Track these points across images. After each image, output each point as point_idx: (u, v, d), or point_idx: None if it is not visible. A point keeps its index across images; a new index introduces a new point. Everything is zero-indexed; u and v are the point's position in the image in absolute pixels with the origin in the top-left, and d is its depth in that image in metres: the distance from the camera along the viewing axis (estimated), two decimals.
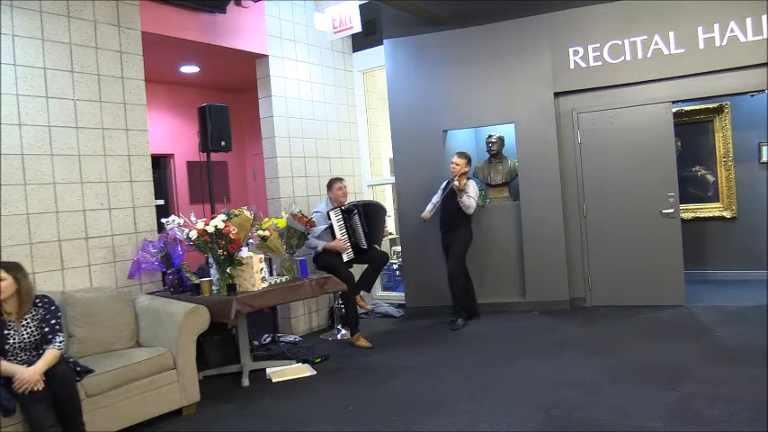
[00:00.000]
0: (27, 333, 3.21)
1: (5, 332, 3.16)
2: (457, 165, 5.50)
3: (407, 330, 5.72)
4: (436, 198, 5.70)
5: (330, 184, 5.57)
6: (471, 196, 5.48)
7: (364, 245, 5.44)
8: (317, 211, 5.41)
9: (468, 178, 5.60)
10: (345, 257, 5.37)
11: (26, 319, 3.22)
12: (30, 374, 2.97)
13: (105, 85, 4.41)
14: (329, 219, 5.32)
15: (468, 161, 5.58)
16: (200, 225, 4.22)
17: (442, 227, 5.72)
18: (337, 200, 5.46)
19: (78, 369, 3.28)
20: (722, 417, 3.02)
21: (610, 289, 5.76)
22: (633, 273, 5.61)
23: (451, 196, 5.51)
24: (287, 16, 6.05)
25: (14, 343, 3.17)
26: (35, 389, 2.98)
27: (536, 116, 5.87)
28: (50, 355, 3.11)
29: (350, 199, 5.85)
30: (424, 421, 3.36)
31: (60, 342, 3.21)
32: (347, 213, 5.42)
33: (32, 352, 3.20)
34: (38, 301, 3.30)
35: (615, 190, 5.67)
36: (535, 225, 5.91)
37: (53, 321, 3.26)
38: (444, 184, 5.72)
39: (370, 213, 5.55)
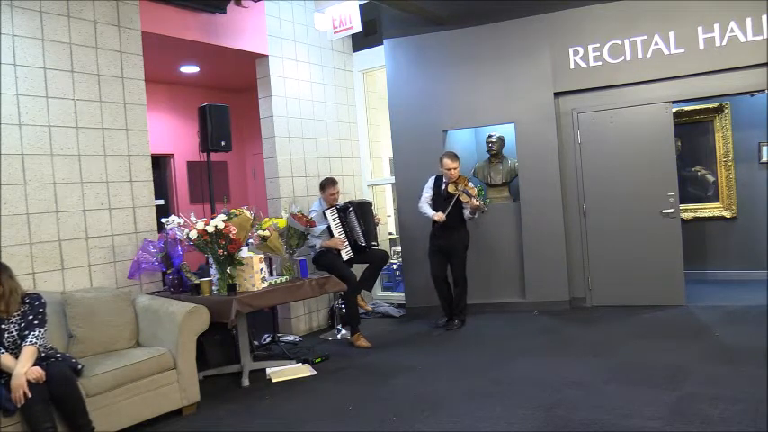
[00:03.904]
0: (15, 329, 3.22)
1: (3, 326, 3.19)
2: (456, 169, 5.35)
3: (407, 330, 5.72)
4: (427, 194, 5.57)
5: (324, 186, 5.49)
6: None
7: (362, 242, 5.46)
8: (312, 210, 5.42)
9: (467, 178, 5.47)
10: (345, 256, 5.38)
11: (15, 317, 3.24)
12: (16, 384, 2.97)
13: (105, 85, 4.42)
14: (326, 218, 5.33)
15: (459, 159, 5.46)
16: (200, 225, 4.22)
17: (437, 230, 5.55)
18: (329, 203, 5.46)
19: (79, 367, 3.30)
20: (722, 417, 3.02)
21: (610, 289, 5.76)
22: (633, 273, 5.61)
23: (449, 200, 5.35)
24: (287, 16, 6.05)
25: (8, 338, 3.19)
26: (35, 381, 3.00)
27: (536, 116, 5.87)
28: (25, 353, 3.10)
29: (345, 199, 5.86)
30: (424, 421, 3.36)
31: (34, 336, 3.18)
32: (343, 212, 5.45)
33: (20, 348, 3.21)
34: (27, 299, 3.31)
35: (615, 190, 5.67)
36: (535, 225, 5.91)
37: (31, 317, 3.24)
38: (432, 182, 5.59)
39: (364, 211, 5.61)
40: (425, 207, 5.58)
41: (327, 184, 5.47)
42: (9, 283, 3.25)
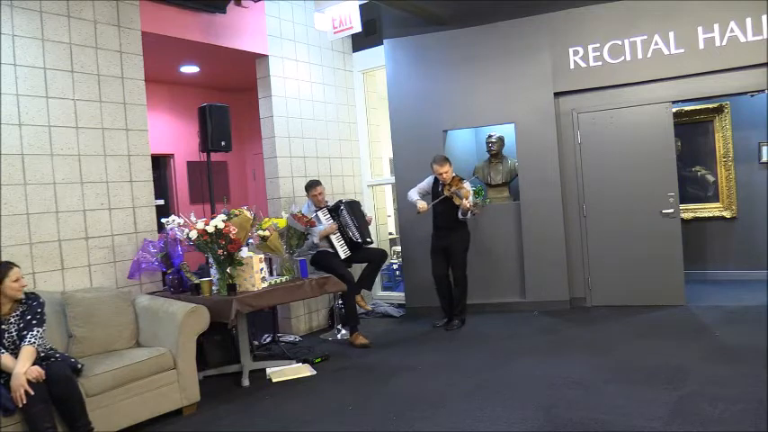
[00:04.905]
0: (14, 330, 3.22)
1: (3, 327, 3.19)
2: (447, 172, 5.34)
3: (407, 330, 5.72)
4: (421, 188, 5.62)
5: (309, 188, 5.53)
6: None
7: (358, 238, 5.48)
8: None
9: (461, 179, 5.47)
10: (342, 255, 5.39)
11: (14, 317, 3.24)
12: (16, 384, 2.96)
13: (105, 85, 4.42)
14: (319, 220, 5.35)
15: (450, 161, 5.45)
16: (200, 225, 4.21)
17: (437, 230, 5.61)
18: (316, 203, 5.48)
19: (79, 366, 3.30)
20: (722, 417, 3.02)
21: (610, 289, 5.76)
22: (633, 273, 5.61)
23: (445, 201, 5.37)
24: (287, 16, 6.05)
25: (8, 338, 3.19)
26: (34, 383, 3.00)
27: (536, 116, 5.87)
28: (24, 353, 3.09)
29: (335, 199, 5.89)
30: (424, 421, 3.36)
31: (32, 336, 3.17)
32: (335, 211, 5.48)
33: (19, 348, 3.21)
34: (24, 299, 3.31)
35: (615, 190, 5.67)
36: (535, 225, 5.91)
37: (29, 317, 3.24)
38: (432, 180, 5.58)
39: (354, 209, 5.65)
40: (413, 193, 5.63)
41: (312, 185, 5.51)
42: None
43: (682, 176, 6.11)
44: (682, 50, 5.33)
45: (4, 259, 3.45)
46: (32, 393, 2.96)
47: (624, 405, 3.29)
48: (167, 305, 3.97)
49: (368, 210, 6.47)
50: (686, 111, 6.51)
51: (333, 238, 5.40)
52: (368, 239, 5.67)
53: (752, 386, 3.36)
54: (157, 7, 4.83)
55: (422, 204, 5.46)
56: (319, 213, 5.39)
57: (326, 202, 5.61)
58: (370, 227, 5.80)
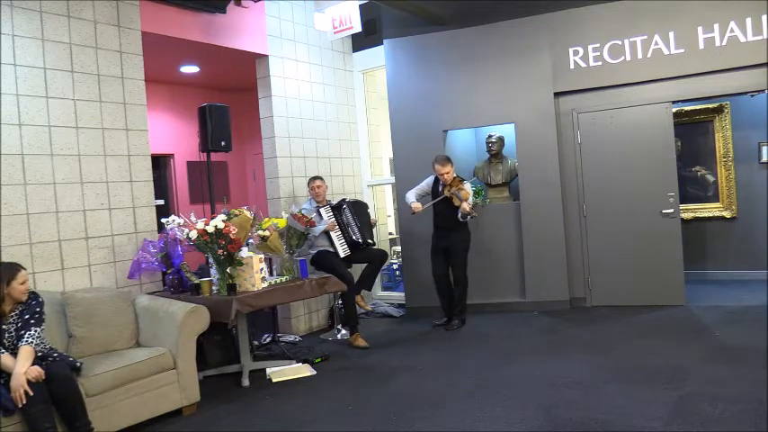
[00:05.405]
0: (14, 329, 3.22)
1: (3, 327, 3.19)
2: (448, 173, 5.34)
3: (407, 330, 5.72)
4: (421, 189, 5.63)
5: (309, 182, 5.60)
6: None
7: (359, 238, 5.48)
8: (303, 209, 5.42)
9: (462, 180, 5.47)
10: (342, 253, 5.39)
11: (12, 317, 3.24)
12: (16, 384, 2.96)
13: (105, 85, 4.42)
14: (320, 216, 5.35)
15: (452, 162, 5.46)
16: (201, 225, 4.21)
17: (437, 230, 5.62)
18: (316, 197, 5.51)
19: (77, 365, 3.30)
20: (722, 417, 3.02)
21: (610, 289, 5.76)
22: (633, 273, 5.61)
23: (445, 201, 5.37)
24: (287, 16, 6.05)
25: (8, 338, 3.19)
26: (34, 383, 2.99)
27: (536, 116, 5.87)
28: (23, 353, 3.09)
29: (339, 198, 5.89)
30: (424, 421, 3.36)
31: (30, 336, 3.17)
32: (337, 209, 5.49)
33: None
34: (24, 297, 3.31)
35: (615, 190, 5.67)
36: (535, 225, 5.91)
37: (27, 316, 3.24)
38: (432, 180, 5.59)
39: (358, 209, 5.65)
40: (410, 194, 5.63)
41: (312, 179, 5.57)
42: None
43: (682, 176, 6.11)
44: (682, 50, 5.34)
45: (4, 260, 3.45)
46: (32, 393, 2.96)
47: (624, 405, 3.29)
48: (167, 305, 3.97)
49: (371, 211, 6.46)
50: (686, 111, 6.51)
51: (333, 236, 5.40)
52: (369, 241, 5.65)
53: (752, 386, 3.36)
54: (157, 7, 4.83)
55: (416, 205, 5.46)
56: (321, 210, 5.40)
57: (328, 200, 5.62)
58: (372, 228, 5.79)
